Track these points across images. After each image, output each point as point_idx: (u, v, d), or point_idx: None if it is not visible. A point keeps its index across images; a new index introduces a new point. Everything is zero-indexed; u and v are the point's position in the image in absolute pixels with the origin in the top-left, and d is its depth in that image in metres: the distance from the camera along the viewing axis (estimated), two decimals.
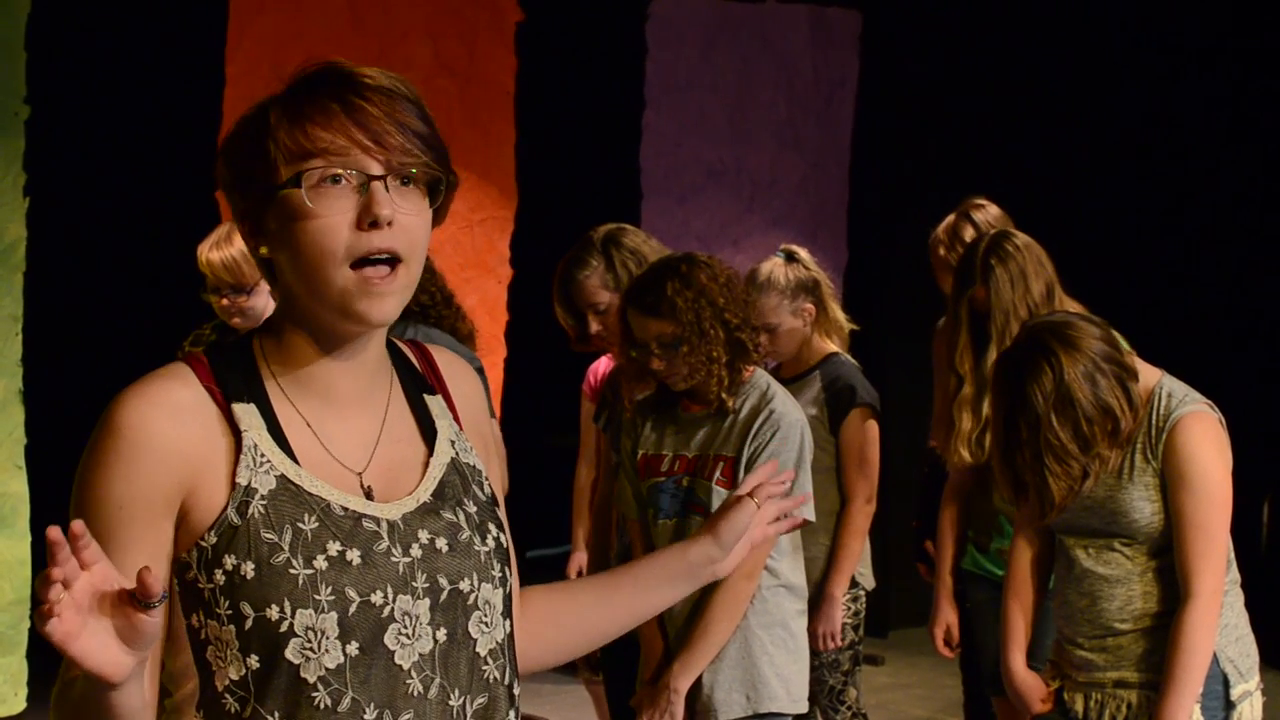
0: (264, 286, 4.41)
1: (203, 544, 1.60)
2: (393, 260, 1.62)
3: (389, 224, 1.60)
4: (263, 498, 1.60)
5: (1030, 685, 3.36)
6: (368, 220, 1.59)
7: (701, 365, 3.44)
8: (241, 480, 1.61)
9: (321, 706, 1.59)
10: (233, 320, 4.44)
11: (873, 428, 4.37)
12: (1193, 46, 7.76)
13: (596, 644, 1.98)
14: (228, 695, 1.61)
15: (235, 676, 1.60)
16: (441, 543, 1.67)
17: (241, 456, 1.62)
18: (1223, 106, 7.83)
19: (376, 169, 1.60)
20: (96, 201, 7.87)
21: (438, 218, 1.69)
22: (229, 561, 1.59)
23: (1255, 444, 4.81)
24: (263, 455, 1.63)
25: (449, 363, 1.87)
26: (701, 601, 3.43)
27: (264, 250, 1.66)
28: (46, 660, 5.46)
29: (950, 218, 4.56)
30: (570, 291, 3.97)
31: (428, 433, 1.76)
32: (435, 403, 1.80)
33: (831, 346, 4.50)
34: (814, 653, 4.10)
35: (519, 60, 6.73)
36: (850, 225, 7.98)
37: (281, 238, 1.63)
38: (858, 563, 4.37)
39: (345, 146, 1.60)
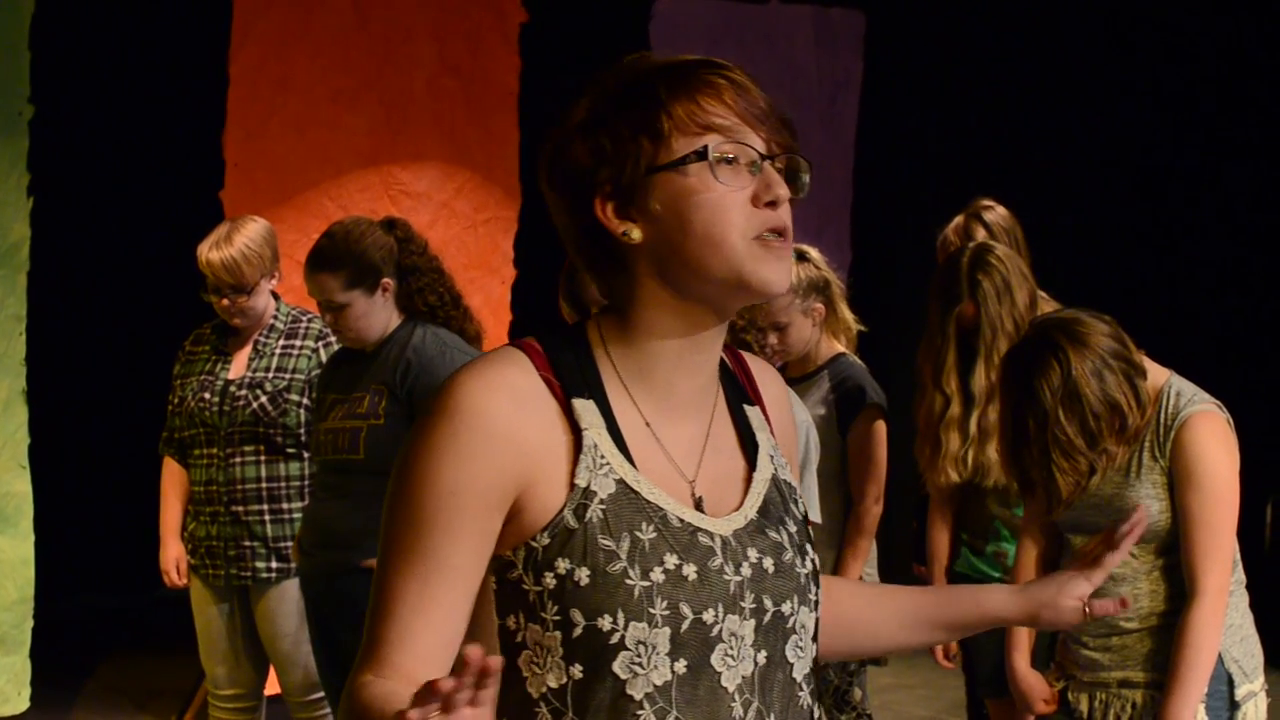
0: (264, 287, 4.41)
1: (533, 544, 1.54)
2: (783, 233, 1.59)
3: (783, 202, 1.58)
4: (601, 502, 1.54)
5: (1033, 685, 3.36)
6: (767, 198, 1.57)
7: None
8: (580, 481, 1.55)
9: None
10: (233, 320, 4.43)
11: (881, 428, 4.37)
12: (1200, 44, 7.75)
13: (871, 655, 1.93)
14: (542, 704, 1.56)
15: (554, 685, 1.55)
16: (769, 563, 1.62)
17: (581, 456, 1.55)
18: (1230, 105, 7.82)
19: (763, 148, 1.58)
20: (100, 202, 7.89)
21: (793, 200, 1.65)
22: (562, 565, 1.53)
23: (1260, 446, 4.80)
24: (602, 456, 1.56)
25: (760, 370, 1.81)
26: None
27: (635, 233, 1.59)
28: (49, 660, 5.41)
29: (959, 218, 4.55)
30: (576, 288, 3.97)
31: (748, 445, 1.70)
32: (754, 414, 1.74)
33: (839, 347, 4.50)
34: None
35: (523, 60, 6.73)
36: (854, 226, 7.97)
37: (668, 214, 1.57)
38: (865, 563, 4.37)
39: (737, 124, 1.57)
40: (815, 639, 1.68)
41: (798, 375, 4.45)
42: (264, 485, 4.37)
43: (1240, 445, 3.15)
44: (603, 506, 1.54)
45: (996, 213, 4.50)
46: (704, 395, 1.67)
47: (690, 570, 1.55)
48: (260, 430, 4.35)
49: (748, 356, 1.82)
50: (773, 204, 1.57)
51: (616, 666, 1.52)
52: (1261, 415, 6.71)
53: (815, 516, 3.43)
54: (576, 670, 1.53)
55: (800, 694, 1.65)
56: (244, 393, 4.37)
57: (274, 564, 4.38)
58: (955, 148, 7.71)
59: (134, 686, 6.90)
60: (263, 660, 4.56)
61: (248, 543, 4.38)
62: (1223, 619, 3.05)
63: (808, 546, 1.69)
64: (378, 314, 3.97)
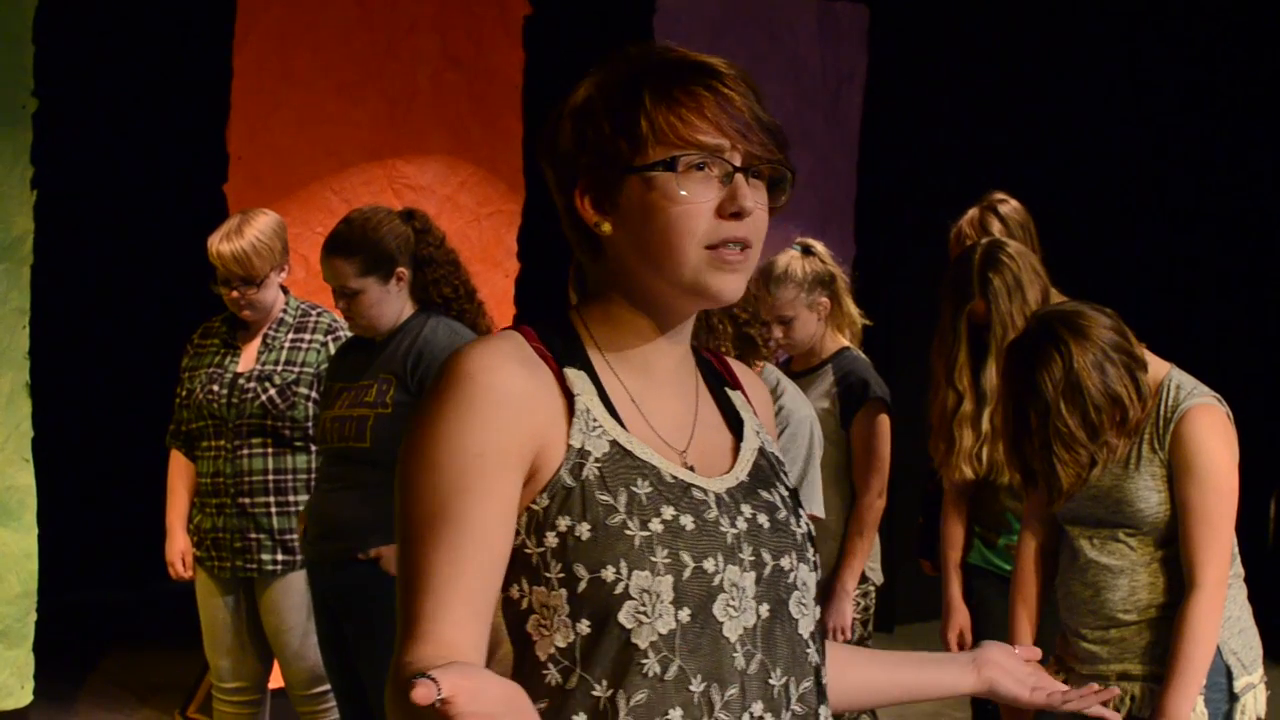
0: (273, 279, 4.42)
1: (534, 508, 1.59)
2: (744, 244, 1.64)
3: (748, 214, 1.63)
4: (597, 460, 1.60)
5: None
6: (731, 209, 1.62)
7: None
8: (575, 442, 1.60)
9: (650, 674, 1.56)
10: (242, 312, 4.45)
11: (884, 423, 4.38)
12: (1208, 36, 7.75)
13: (857, 708, 1.98)
14: (550, 665, 1.58)
15: (562, 644, 1.57)
16: (763, 519, 1.67)
17: (574, 419, 1.61)
18: (1237, 97, 7.81)
19: (738, 161, 1.63)
20: (104, 195, 7.90)
21: (774, 210, 1.70)
22: (562, 523, 1.57)
23: (1262, 440, 4.81)
24: (594, 420, 1.62)
25: (743, 371, 1.90)
26: None
27: (606, 226, 1.66)
28: (53, 653, 5.40)
29: (974, 210, 4.55)
30: (585, 279, 3.98)
31: (733, 423, 1.78)
32: (737, 397, 1.82)
33: (843, 341, 4.51)
34: None
35: (526, 53, 6.73)
36: (858, 220, 7.98)
37: (634, 214, 1.64)
38: (868, 557, 4.38)
39: (714, 137, 1.62)
40: (818, 601, 1.73)
41: (802, 369, 4.46)
42: (271, 478, 4.38)
43: (1243, 439, 3.15)
44: (598, 465, 1.60)
45: (1010, 205, 4.50)
46: (681, 375, 1.74)
47: (688, 520, 1.60)
48: (268, 423, 4.36)
49: (732, 361, 1.90)
50: (736, 215, 1.62)
51: (622, 616, 1.55)
52: (1265, 409, 6.71)
53: (819, 511, 3.44)
54: (584, 626, 1.56)
55: (808, 650, 1.68)
56: (252, 385, 4.38)
57: (279, 556, 4.39)
58: (959, 141, 7.71)
59: (137, 680, 6.91)
60: (267, 653, 4.57)
61: (253, 535, 4.39)
62: (1221, 611, 3.07)
63: (800, 510, 1.74)
64: (391, 303, 3.98)
